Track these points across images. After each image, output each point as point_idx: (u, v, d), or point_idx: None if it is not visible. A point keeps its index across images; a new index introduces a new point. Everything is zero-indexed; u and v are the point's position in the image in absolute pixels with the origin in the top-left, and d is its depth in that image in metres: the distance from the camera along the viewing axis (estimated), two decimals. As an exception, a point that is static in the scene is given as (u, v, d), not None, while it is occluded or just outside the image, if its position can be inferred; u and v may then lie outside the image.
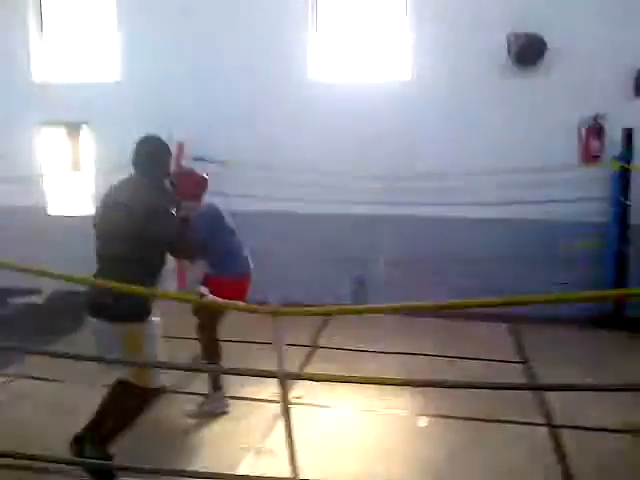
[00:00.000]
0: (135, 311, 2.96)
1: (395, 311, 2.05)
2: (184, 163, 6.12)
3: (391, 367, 4.64)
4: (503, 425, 3.74)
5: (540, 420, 3.80)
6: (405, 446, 3.59)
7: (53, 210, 7.21)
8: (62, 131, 7.13)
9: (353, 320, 5.37)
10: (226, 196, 6.11)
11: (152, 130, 5.89)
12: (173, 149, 6.04)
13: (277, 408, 3.77)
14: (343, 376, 2.04)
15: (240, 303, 2.12)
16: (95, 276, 3.07)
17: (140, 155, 3.19)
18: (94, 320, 3.03)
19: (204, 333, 3.85)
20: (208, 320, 3.81)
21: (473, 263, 5.94)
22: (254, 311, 1.97)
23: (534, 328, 5.45)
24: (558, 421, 3.78)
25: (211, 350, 3.83)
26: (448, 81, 5.99)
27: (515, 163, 5.71)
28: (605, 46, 5.57)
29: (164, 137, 4.92)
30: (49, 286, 6.12)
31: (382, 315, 4.90)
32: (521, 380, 4.43)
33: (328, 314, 2.20)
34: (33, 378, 4.23)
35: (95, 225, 3.14)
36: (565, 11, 5.66)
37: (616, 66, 5.61)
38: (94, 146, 6.88)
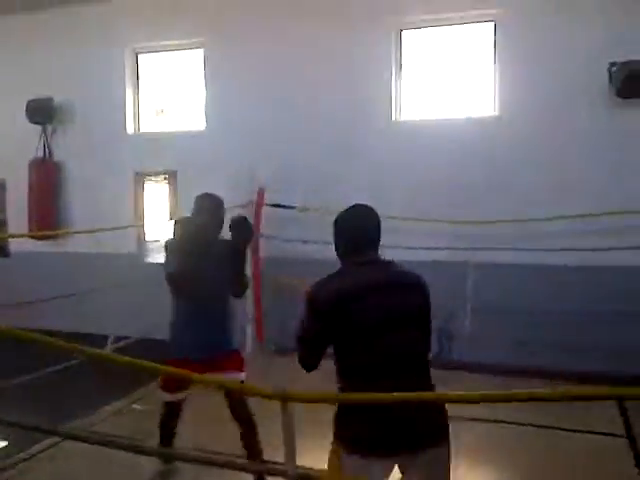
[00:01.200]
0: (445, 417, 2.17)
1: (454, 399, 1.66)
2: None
3: (475, 438, 4.10)
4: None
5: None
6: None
7: (149, 258, 7.46)
8: (155, 180, 7.45)
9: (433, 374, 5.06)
10: (305, 242, 6.02)
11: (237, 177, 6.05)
12: (254, 195, 6.17)
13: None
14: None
15: (246, 384, 1.82)
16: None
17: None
18: (400, 456, 2.00)
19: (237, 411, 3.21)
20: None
21: (569, 316, 5.24)
22: (263, 395, 1.71)
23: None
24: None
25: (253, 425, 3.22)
26: (538, 116, 5.51)
27: (615, 205, 5.10)
28: None
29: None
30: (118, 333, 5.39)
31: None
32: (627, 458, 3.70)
33: (350, 401, 1.86)
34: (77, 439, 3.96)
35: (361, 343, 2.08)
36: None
37: None
38: (183, 193, 7.08)
